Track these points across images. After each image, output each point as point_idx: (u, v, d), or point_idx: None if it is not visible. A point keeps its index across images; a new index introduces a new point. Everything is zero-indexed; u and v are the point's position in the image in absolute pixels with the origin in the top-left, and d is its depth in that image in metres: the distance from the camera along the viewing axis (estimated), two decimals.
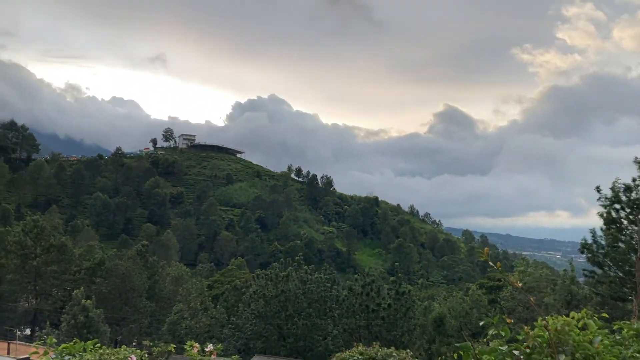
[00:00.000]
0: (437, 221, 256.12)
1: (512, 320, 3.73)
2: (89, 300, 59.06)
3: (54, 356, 7.64)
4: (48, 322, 64.89)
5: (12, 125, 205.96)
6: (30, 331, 70.42)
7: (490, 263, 3.95)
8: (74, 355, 6.65)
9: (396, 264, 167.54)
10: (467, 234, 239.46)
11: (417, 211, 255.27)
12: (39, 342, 8.95)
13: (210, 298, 72.67)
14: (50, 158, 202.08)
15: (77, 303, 58.33)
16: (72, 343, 6.97)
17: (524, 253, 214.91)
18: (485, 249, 3.81)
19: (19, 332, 68.71)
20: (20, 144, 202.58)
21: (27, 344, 49.62)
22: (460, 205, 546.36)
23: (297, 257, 67.98)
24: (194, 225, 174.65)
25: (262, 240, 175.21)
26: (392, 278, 59.31)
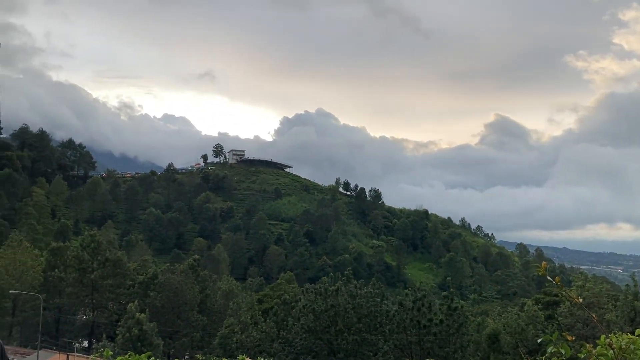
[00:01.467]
0: (489, 234, 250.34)
1: (573, 338, 3.55)
2: (142, 314, 60.52)
3: None
4: (104, 335, 66.73)
5: (70, 144, 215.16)
6: (88, 343, 72.68)
7: (549, 277, 3.78)
8: None
9: (447, 278, 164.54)
10: (521, 248, 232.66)
11: (469, 224, 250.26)
12: (96, 355, 9.15)
13: (260, 312, 73.06)
14: (106, 175, 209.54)
15: (131, 316, 59.86)
16: (127, 356, 7.10)
17: (582, 267, 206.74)
18: (543, 262, 3.65)
19: (77, 344, 71.03)
20: (78, 162, 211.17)
21: (85, 356, 51.23)
22: (514, 218, 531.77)
23: (346, 272, 67.66)
24: (244, 240, 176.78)
25: (311, 255, 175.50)
26: (443, 293, 58.08)
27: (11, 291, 59.71)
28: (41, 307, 58.61)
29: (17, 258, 68.68)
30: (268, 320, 67.00)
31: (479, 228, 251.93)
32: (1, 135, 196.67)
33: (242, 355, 6.55)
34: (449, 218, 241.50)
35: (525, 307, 53.39)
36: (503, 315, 56.60)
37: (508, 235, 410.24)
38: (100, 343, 59.07)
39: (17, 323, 67.12)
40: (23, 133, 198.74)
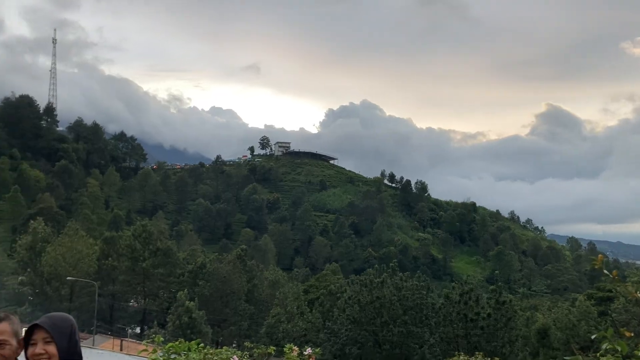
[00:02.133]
0: (539, 228, 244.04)
1: (632, 334, 3.44)
2: (192, 302, 62.06)
3: (161, 354, 8.07)
4: (155, 322, 68.81)
5: (122, 137, 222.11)
6: (140, 330, 75.12)
7: (606, 271, 3.67)
8: (179, 354, 6.98)
9: (496, 272, 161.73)
10: (573, 242, 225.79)
11: (518, 217, 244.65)
12: (148, 341, 9.44)
13: (306, 302, 73.69)
14: (156, 166, 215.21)
15: (181, 304, 61.48)
16: (177, 342, 7.33)
17: (638, 262, 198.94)
18: (599, 255, 3.54)
19: (130, 330, 73.58)
20: (129, 154, 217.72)
21: (138, 341, 52.96)
22: (565, 211, 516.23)
23: (391, 264, 67.51)
24: (290, 231, 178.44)
25: (356, 246, 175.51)
26: (491, 287, 57.14)
27: (68, 278, 62.22)
28: (96, 294, 60.97)
29: (74, 246, 71.40)
30: (314, 311, 67.54)
31: (528, 221, 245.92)
32: (58, 128, 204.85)
33: (290, 344, 6.67)
34: (497, 211, 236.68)
35: (577, 303, 51.88)
36: (553, 311, 55.19)
37: (559, 229, 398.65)
38: (151, 330, 60.97)
39: (74, 308, 69.89)
40: (78, 126, 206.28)
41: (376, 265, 76.42)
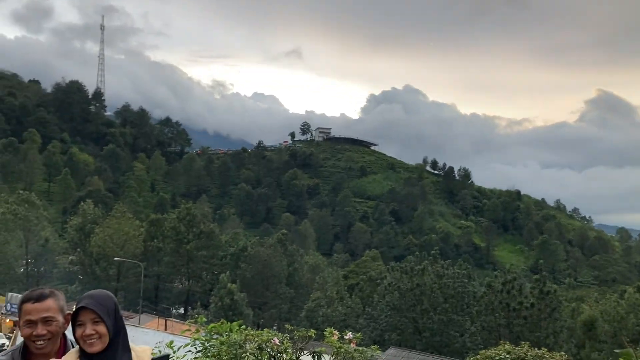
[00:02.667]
0: (587, 217, 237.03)
1: None
2: (234, 285, 63.20)
3: (204, 334, 8.25)
4: (199, 303, 70.39)
5: (167, 122, 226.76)
6: (184, 310, 77.08)
7: None
8: (221, 335, 7.12)
9: (540, 261, 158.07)
10: (623, 232, 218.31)
11: (564, 206, 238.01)
12: (191, 321, 9.63)
13: (345, 288, 74.00)
14: (200, 151, 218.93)
15: (223, 286, 62.68)
16: (219, 323, 7.47)
17: None
18: None
19: (174, 310, 75.59)
20: (174, 139, 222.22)
21: (181, 321, 54.35)
22: (615, 200, 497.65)
23: (432, 251, 66.88)
24: (330, 216, 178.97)
25: (397, 233, 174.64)
26: (535, 276, 55.91)
27: (116, 258, 64.23)
28: (142, 275, 62.73)
29: (121, 228, 73.62)
30: (354, 296, 67.79)
31: (575, 210, 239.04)
32: (106, 113, 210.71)
33: (330, 328, 6.71)
34: (542, 199, 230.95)
35: (626, 295, 50.24)
36: (601, 302, 53.69)
37: (608, 219, 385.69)
38: (194, 310, 62.44)
39: (121, 288, 72.22)
40: (125, 111, 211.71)
41: (417, 253, 75.80)
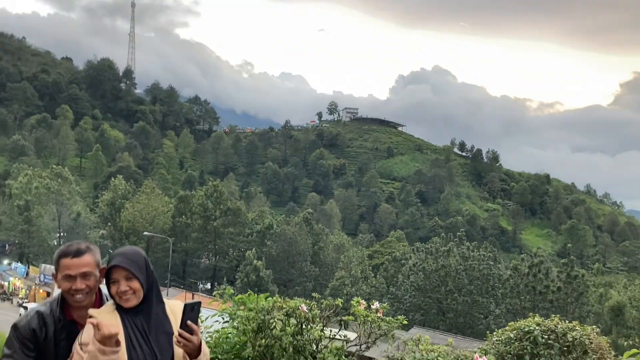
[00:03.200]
0: (617, 203, 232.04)
1: None
2: (260, 261, 64.08)
3: (231, 306, 8.45)
4: (225, 279, 71.60)
5: (196, 100, 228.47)
6: (210, 285, 78.48)
7: None
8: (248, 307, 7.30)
9: (568, 245, 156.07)
10: None
11: (595, 191, 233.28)
12: (218, 292, 9.83)
13: (370, 267, 74.33)
14: (228, 130, 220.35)
15: (249, 263, 63.62)
16: (247, 295, 7.66)
17: None
18: None
19: (201, 285, 77.07)
20: (203, 117, 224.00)
21: (208, 296, 55.43)
22: None
23: (459, 233, 66.51)
24: (355, 197, 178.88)
25: (422, 215, 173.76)
26: (562, 260, 55.31)
27: (145, 233, 65.56)
28: (170, 249, 63.99)
29: (150, 203, 74.95)
30: (378, 276, 68.07)
31: (605, 195, 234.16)
32: (136, 91, 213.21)
33: (357, 297, 6.83)
34: (572, 184, 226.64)
35: None
36: (629, 289, 52.97)
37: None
38: (221, 286, 63.50)
39: (150, 262, 73.68)
40: (155, 89, 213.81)
41: (442, 234, 75.55)
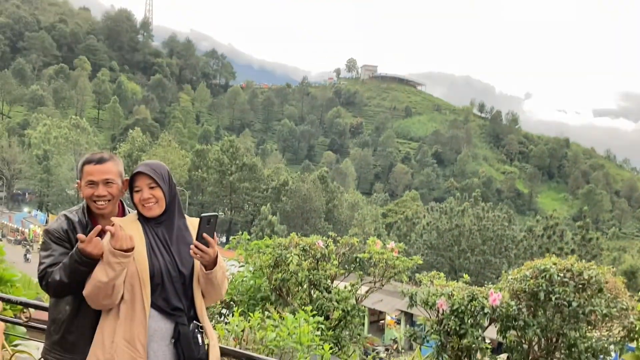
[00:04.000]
0: (637, 169, 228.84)
1: None
2: (274, 217, 64.74)
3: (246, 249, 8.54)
4: (240, 232, 72.41)
5: (213, 54, 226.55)
6: (226, 239, 79.74)
7: None
8: (264, 252, 7.40)
9: (584, 208, 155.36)
10: None
11: (615, 156, 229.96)
12: (235, 238, 9.95)
13: (383, 225, 74.73)
14: (244, 85, 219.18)
15: (264, 218, 64.32)
16: (263, 240, 7.75)
17: None
18: None
19: (217, 238, 78.29)
20: (219, 71, 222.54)
21: (222, 249, 56.37)
22: None
23: (474, 193, 66.29)
24: (371, 156, 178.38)
25: (438, 176, 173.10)
26: (577, 223, 55.06)
27: None
28: (187, 202, 64.80)
29: (167, 156, 75.58)
30: (391, 234, 68.51)
31: (625, 161, 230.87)
32: (153, 43, 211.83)
33: (373, 237, 6.89)
34: (592, 148, 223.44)
35: None
36: None
37: None
38: (237, 233, 64.46)
39: None
40: (172, 42, 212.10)
41: (457, 194, 75.32)
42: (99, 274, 2.66)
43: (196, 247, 2.78)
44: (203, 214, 2.86)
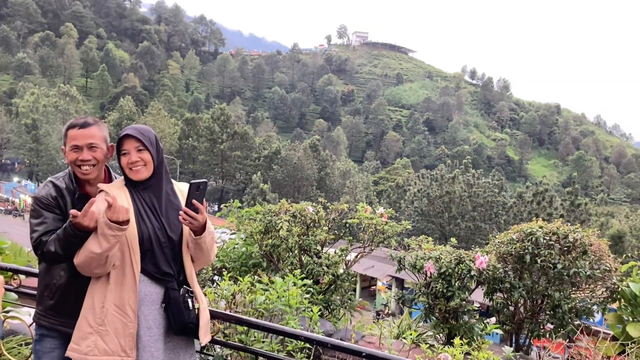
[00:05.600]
0: (627, 135, 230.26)
1: None
2: (266, 185, 64.81)
3: (237, 216, 8.57)
4: (232, 200, 72.61)
5: (202, 20, 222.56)
6: (217, 208, 79.91)
7: None
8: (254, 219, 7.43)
9: (574, 174, 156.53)
10: None
11: (605, 122, 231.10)
12: (226, 206, 9.97)
13: (374, 193, 75.11)
14: (234, 52, 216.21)
15: (256, 186, 64.39)
16: (253, 208, 7.78)
17: None
18: None
19: (208, 207, 78.41)
20: (209, 38, 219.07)
21: (213, 217, 56.54)
22: None
23: (464, 160, 66.51)
24: (363, 124, 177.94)
25: (429, 143, 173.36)
26: (567, 189, 55.60)
27: None
28: (177, 171, 64.62)
29: (157, 125, 75.01)
30: (382, 201, 68.94)
31: (615, 127, 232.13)
32: (140, 9, 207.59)
33: (363, 203, 6.94)
34: (582, 114, 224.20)
35: None
36: (631, 218, 53.52)
37: None
38: (229, 201, 64.62)
39: None
40: (159, 8, 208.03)
41: (448, 161, 75.64)
42: (92, 245, 2.66)
43: (185, 213, 2.79)
44: (192, 181, 2.87)
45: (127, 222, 2.69)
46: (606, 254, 5.58)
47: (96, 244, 2.64)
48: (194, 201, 2.79)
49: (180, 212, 2.81)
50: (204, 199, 2.91)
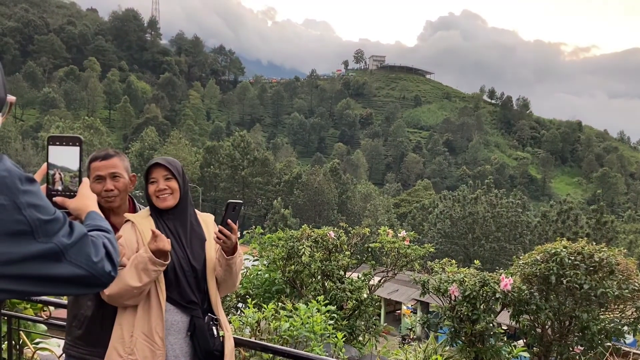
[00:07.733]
0: None
1: None
2: (287, 210, 64.94)
3: (260, 243, 8.61)
4: (254, 227, 72.77)
5: (221, 50, 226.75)
6: (240, 234, 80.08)
7: None
8: (277, 245, 7.48)
9: (598, 192, 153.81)
10: None
11: (628, 138, 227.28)
12: (249, 232, 10.02)
13: (396, 215, 74.66)
14: (253, 80, 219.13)
15: (277, 211, 64.56)
16: (276, 234, 7.83)
17: None
18: None
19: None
20: (228, 68, 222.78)
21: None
22: None
23: (487, 180, 65.94)
24: (382, 146, 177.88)
25: (450, 164, 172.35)
26: (592, 206, 54.62)
27: None
28: (200, 199, 65.16)
29: (178, 154, 76.03)
30: (404, 224, 68.44)
31: None
32: (161, 42, 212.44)
33: (384, 227, 6.94)
34: (605, 131, 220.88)
35: None
36: None
37: None
38: (251, 227, 64.72)
39: None
40: (180, 39, 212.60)
41: (470, 182, 75.00)
42: (130, 278, 2.69)
43: (220, 231, 2.83)
44: (230, 201, 2.92)
45: (167, 256, 2.75)
46: (634, 273, 5.48)
47: (135, 278, 2.68)
48: (229, 221, 2.83)
49: (215, 231, 2.86)
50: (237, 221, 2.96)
